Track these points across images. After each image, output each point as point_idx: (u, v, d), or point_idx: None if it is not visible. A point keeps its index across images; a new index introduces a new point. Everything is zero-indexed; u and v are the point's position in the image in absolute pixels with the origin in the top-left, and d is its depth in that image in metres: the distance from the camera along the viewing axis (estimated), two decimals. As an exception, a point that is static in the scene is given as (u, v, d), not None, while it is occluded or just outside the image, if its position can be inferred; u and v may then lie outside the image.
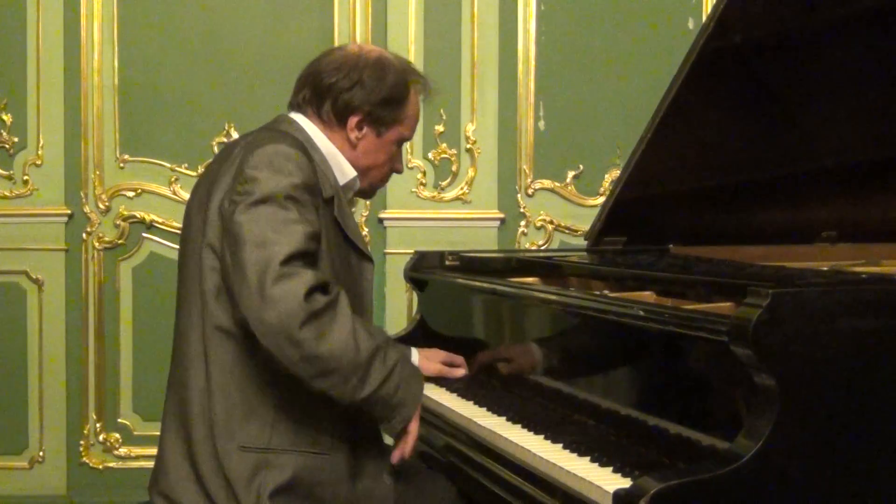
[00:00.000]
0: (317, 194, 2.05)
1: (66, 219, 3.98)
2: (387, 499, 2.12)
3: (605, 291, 2.24)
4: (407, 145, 3.95)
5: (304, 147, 2.10)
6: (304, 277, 1.90)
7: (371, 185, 2.30)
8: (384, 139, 2.24)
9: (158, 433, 2.17)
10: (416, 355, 2.43)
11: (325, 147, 2.19)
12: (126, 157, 3.99)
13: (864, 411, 1.66)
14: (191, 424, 2.05)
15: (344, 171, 2.21)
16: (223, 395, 2.03)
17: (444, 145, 4.00)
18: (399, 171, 2.36)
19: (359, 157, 2.23)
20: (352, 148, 2.21)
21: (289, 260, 1.91)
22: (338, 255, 2.12)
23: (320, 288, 1.93)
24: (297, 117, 2.22)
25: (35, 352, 3.97)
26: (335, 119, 2.20)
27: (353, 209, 2.35)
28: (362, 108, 2.18)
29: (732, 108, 2.66)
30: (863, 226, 2.84)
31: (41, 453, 3.99)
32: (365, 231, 3.99)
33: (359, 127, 2.20)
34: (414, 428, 2.07)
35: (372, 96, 2.18)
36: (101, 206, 3.98)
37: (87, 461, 4.01)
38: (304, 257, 1.95)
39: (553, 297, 2.25)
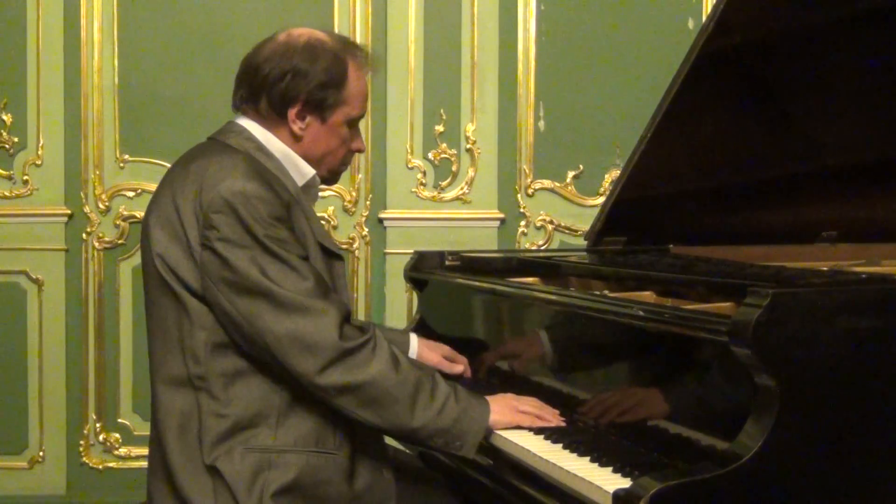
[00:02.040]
0: (286, 218, 2.00)
1: (65, 219, 3.97)
2: (388, 495, 2.11)
3: (605, 291, 2.24)
4: (407, 145, 3.96)
5: (258, 165, 2.04)
6: (331, 314, 1.95)
7: (330, 171, 2.21)
8: (330, 123, 2.12)
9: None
10: (415, 343, 2.44)
11: (278, 150, 2.11)
12: (126, 157, 3.98)
13: (863, 411, 1.66)
14: (167, 447, 2.02)
15: (301, 170, 2.13)
16: (222, 409, 1.99)
17: (444, 145, 4.00)
18: (360, 150, 2.25)
19: (309, 148, 2.13)
20: (298, 141, 2.12)
21: (309, 296, 1.95)
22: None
23: (348, 320, 1.98)
24: (246, 122, 2.13)
25: (35, 352, 3.96)
26: (275, 114, 2.09)
27: (318, 200, 2.30)
28: (299, 96, 2.07)
29: (732, 108, 2.66)
30: (863, 226, 2.84)
31: (41, 453, 3.98)
32: (365, 231, 3.99)
33: (300, 117, 2.09)
34: (508, 422, 2.07)
35: (306, 82, 2.07)
36: (101, 206, 3.98)
37: (86, 461, 4.00)
38: (318, 283, 1.98)
39: (553, 297, 2.25)
